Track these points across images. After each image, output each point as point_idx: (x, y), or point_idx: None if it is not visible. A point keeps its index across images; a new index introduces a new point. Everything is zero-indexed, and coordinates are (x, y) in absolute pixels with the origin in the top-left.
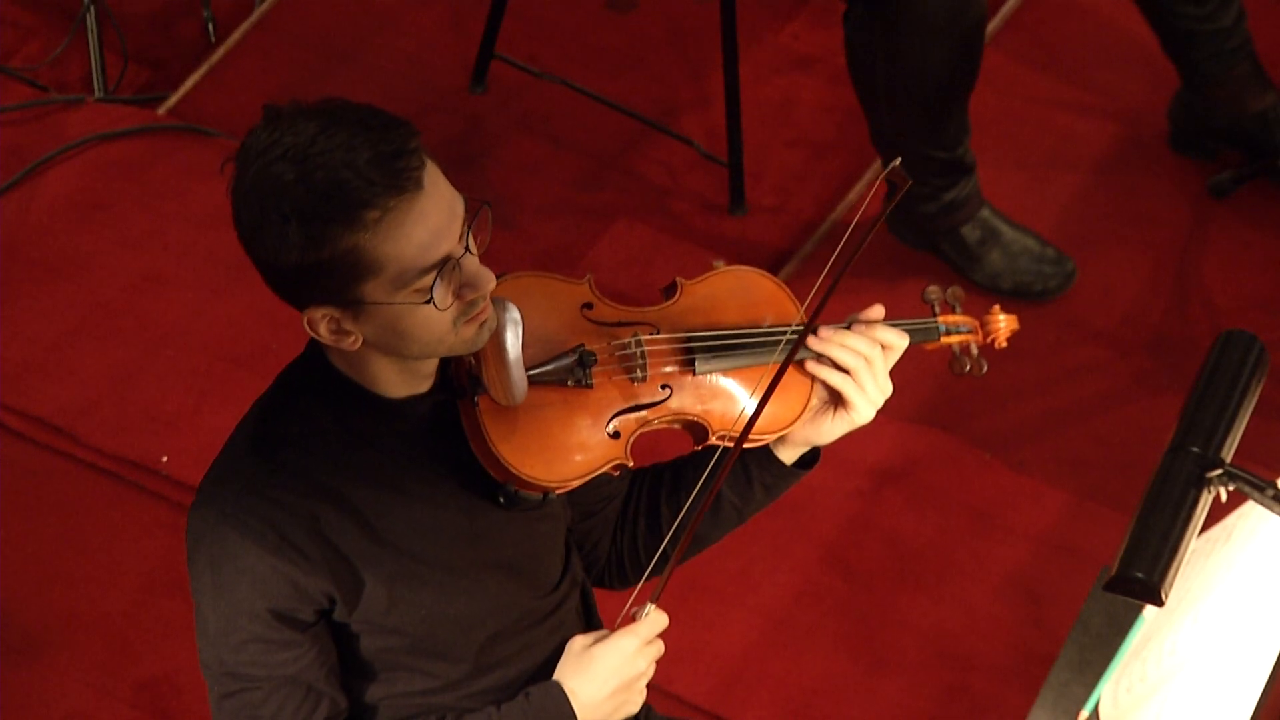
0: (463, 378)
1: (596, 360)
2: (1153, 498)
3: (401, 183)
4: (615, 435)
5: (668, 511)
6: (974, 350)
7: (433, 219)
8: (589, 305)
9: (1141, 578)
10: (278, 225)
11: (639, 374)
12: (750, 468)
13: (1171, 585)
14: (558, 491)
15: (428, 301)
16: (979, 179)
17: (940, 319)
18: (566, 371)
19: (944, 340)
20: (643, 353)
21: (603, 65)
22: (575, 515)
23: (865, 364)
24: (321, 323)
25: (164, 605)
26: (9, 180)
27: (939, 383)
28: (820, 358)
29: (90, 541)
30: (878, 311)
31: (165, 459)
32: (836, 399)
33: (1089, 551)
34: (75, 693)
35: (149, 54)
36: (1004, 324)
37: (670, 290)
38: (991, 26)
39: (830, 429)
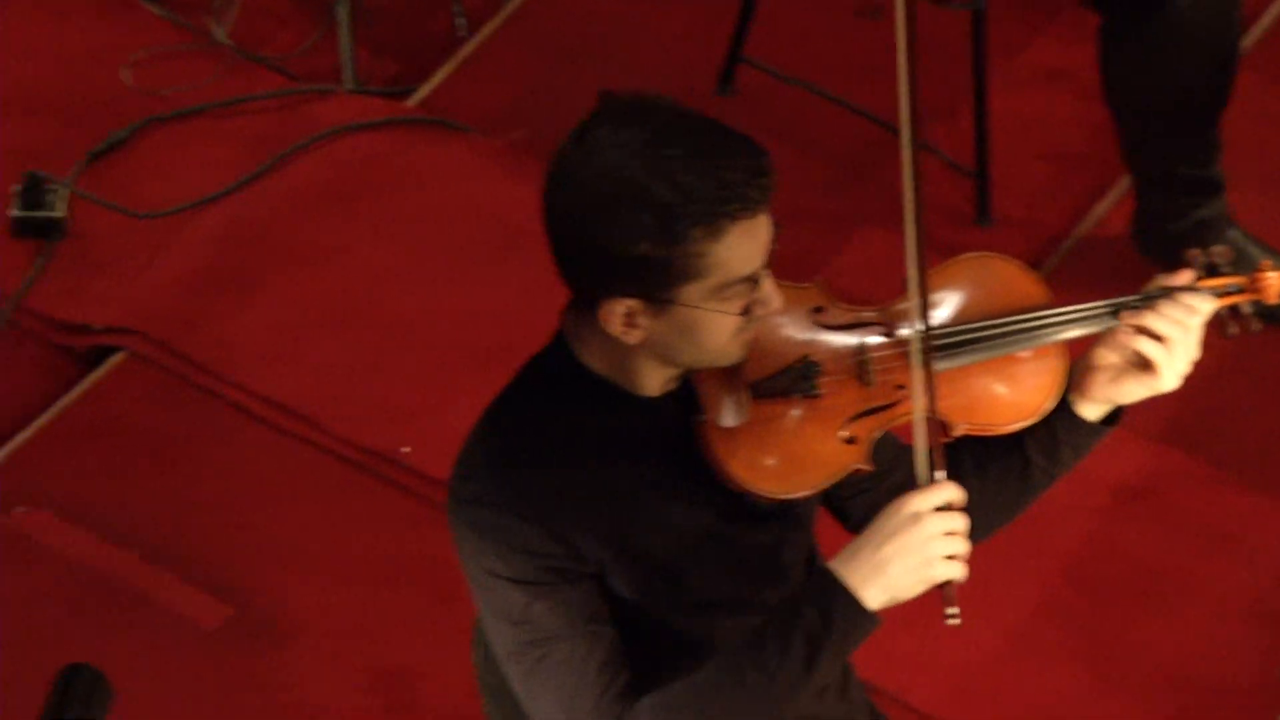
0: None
1: (822, 370)
2: None
3: (764, 199)
4: (851, 441)
5: (975, 480)
6: (1244, 309)
7: (764, 236)
8: (819, 309)
9: None
10: (631, 214)
11: (869, 378)
12: (1057, 430)
13: None
14: (797, 501)
15: (743, 314)
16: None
17: (1207, 283)
18: (790, 384)
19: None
20: (868, 359)
21: (850, 72)
22: (847, 492)
23: (1182, 332)
24: (617, 314)
25: (403, 596)
26: (259, 168)
27: (1183, 400)
28: (1126, 329)
29: (331, 529)
30: (1188, 275)
31: (406, 450)
32: (1142, 363)
33: None
34: (313, 680)
35: (398, 47)
36: (1274, 279)
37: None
38: (1243, 44)
39: (1132, 391)
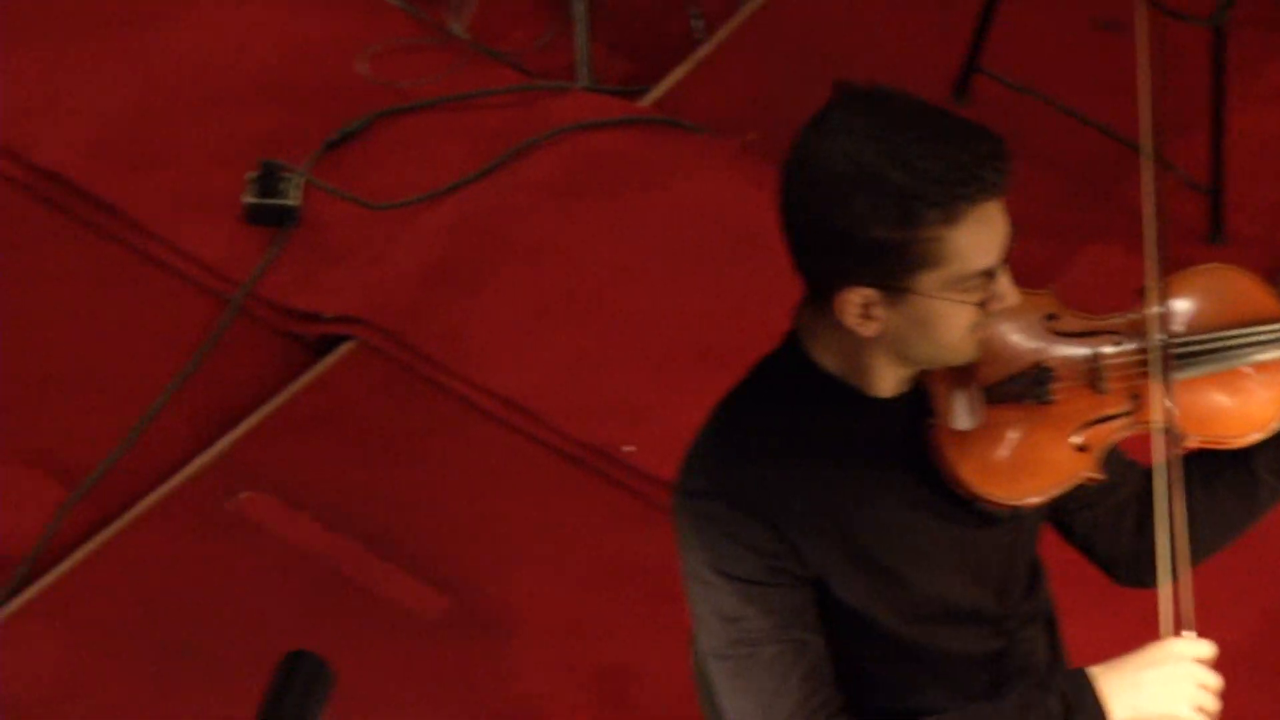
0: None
1: (1055, 376)
2: None
3: (1000, 185)
4: (1083, 449)
5: (1203, 496)
6: None
7: (1000, 226)
8: (1052, 316)
9: None
10: (868, 198)
11: (1102, 385)
12: None
13: None
14: (1026, 508)
15: (980, 304)
16: None
17: None
18: (1023, 389)
19: None
20: (1102, 366)
21: (1086, 85)
22: (1073, 505)
23: None
24: (853, 303)
25: (624, 594)
26: (492, 162)
27: None
28: None
29: (552, 525)
30: None
31: (629, 448)
32: None
33: None
34: (532, 674)
35: (634, 46)
36: None
37: (1142, 294)
38: None
39: None
